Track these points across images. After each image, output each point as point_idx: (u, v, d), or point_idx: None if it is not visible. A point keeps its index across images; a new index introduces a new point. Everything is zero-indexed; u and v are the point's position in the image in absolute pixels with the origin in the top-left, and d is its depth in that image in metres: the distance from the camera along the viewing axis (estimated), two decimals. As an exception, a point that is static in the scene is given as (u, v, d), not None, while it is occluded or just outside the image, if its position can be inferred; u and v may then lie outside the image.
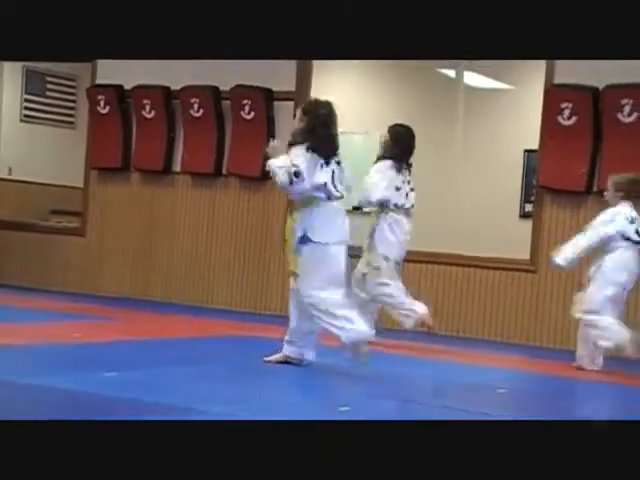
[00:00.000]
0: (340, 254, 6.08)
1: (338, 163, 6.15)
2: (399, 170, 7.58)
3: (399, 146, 7.60)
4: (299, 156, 6.01)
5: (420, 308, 7.58)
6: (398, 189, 7.54)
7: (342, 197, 6.16)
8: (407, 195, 7.62)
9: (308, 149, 6.00)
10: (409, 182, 7.65)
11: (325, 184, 6.02)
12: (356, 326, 5.98)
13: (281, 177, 5.99)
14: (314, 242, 6.01)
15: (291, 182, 5.95)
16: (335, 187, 6.09)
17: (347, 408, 4.84)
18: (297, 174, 5.94)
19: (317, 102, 6.26)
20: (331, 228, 6.05)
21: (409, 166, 7.69)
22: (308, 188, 5.99)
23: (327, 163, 6.08)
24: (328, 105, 6.16)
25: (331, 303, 5.99)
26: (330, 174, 6.07)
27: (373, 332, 6.09)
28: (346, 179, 6.20)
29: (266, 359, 6.17)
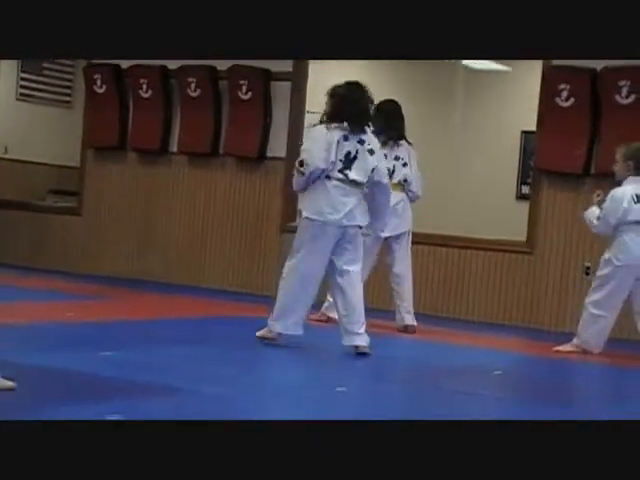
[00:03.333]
0: (328, 233, 5.92)
1: (362, 143, 5.96)
2: (383, 144, 7.53)
3: (380, 120, 7.57)
4: (308, 139, 6.03)
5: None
6: None
7: (349, 182, 5.93)
8: (391, 169, 7.52)
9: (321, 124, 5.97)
10: (397, 157, 7.57)
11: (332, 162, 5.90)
12: (284, 324, 5.97)
13: (295, 179, 6.01)
14: (304, 217, 5.98)
15: (303, 174, 5.89)
16: (343, 169, 5.92)
17: (343, 389, 4.85)
18: (301, 163, 5.89)
19: (337, 85, 6.13)
20: (321, 205, 5.92)
21: (398, 140, 7.61)
22: (322, 167, 5.88)
23: (346, 138, 5.92)
24: (349, 86, 6.08)
25: (288, 291, 5.97)
26: (343, 153, 5.92)
27: (296, 333, 5.99)
28: (371, 165, 6.00)
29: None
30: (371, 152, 5.98)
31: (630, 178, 6.79)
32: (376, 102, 7.59)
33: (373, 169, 5.98)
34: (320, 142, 5.90)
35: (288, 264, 6.05)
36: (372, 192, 6.05)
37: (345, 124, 5.92)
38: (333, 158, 5.88)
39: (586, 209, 7.07)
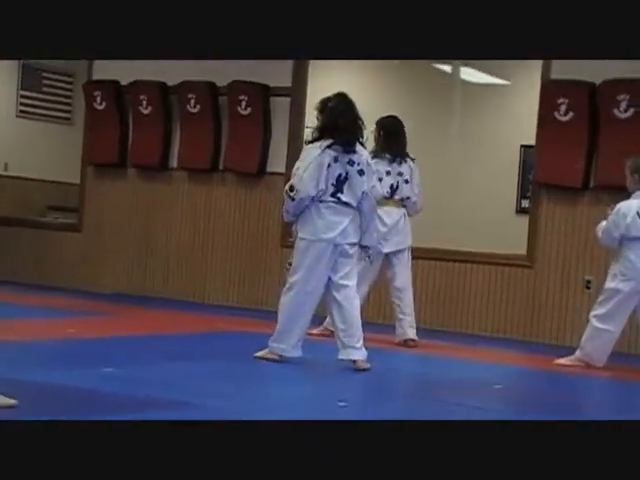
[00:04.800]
0: (323, 252, 5.96)
1: (352, 164, 5.97)
2: (388, 160, 7.54)
3: (391, 138, 7.59)
4: (300, 161, 6.01)
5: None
6: (380, 180, 7.48)
7: (342, 203, 5.97)
8: (395, 186, 7.56)
9: (312, 142, 6.00)
10: (400, 173, 7.60)
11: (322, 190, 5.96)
12: (284, 347, 6.00)
13: (286, 205, 6.04)
14: (300, 238, 6.02)
15: (293, 199, 5.94)
16: (335, 192, 5.96)
17: (345, 404, 4.84)
18: (292, 188, 5.93)
19: (324, 98, 6.13)
20: (316, 226, 5.97)
21: (402, 157, 7.63)
22: (312, 194, 5.93)
23: (336, 160, 5.95)
24: (337, 97, 6.07)
25: (286, 313, 6.00)
26: (335, 176, 5.96)
27: (294, 355, 6.03)
28: (361, 188, 6.02)
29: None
30: (361, 173, 6.02)
31: (639, 192, 6.79)
32: (376, 118, 7.68)
33: (363, 192, 6.02)
34: (312, 167, 5.91)
35: (286, 285, 6.08)
36: (360, 205, 6.08)
37: (335, 141, 5.93)
38: (324, 185, 5.92)
39: (597, 224, 7.06)
